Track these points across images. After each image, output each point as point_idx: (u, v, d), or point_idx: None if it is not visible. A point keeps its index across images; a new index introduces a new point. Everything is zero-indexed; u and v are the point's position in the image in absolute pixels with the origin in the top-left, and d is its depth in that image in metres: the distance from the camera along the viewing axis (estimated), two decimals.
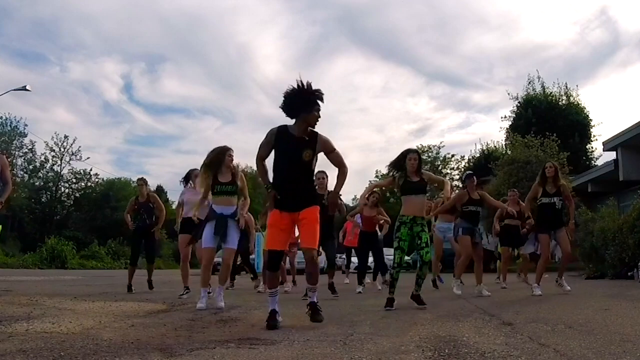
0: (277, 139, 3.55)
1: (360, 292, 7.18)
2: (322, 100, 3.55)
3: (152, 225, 7.44)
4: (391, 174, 5.10)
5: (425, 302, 4.79)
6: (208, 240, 4.79)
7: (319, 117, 3.55)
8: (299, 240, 3.70)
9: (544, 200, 6.16)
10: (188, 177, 6.51)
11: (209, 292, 5.26)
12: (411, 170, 4.88)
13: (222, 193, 4.82)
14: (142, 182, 7.73)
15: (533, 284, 6.11)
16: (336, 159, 3.72)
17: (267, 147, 3.60)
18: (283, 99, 3.53)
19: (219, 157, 4.83)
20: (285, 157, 3.56)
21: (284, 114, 3.56)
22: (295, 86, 3.48)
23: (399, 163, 4.97)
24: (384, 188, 5.10)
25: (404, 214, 4.88)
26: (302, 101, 3.48)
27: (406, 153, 4.96)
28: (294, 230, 3.79)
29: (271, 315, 3.51)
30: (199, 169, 5.13)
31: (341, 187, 3.78)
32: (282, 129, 3.59)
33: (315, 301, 3.64)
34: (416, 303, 4.79)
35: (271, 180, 3.66)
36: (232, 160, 4.89)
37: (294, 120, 3.58)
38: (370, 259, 8.19)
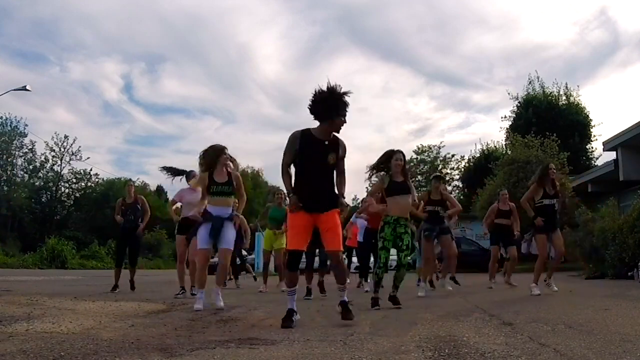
0: (301, 143, 3.54)
1: (367, 291, 7.13)
2: (348, 105, 3.54)
3: (137, 226, 7.54)
4: (370, 175, 5.07)
5: (400, 303, 4.81)
6: (203, 241, 4.73)
7: (345, 122, 3.56)
8: (324, 244, 3.68)
9: (545, 202, 6.13)
10: (188, 178, 6.55)
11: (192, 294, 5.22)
12: (396, 171, 4.88)
13: (218, 194, 4.75)
14: (131, 183, 8.82)
15: (531, 284, 6.11)
16: (342, 166, 3.74)
17: (291, 151, 3.58)
18: (313, 100, 3.49)
19: (215, 157, 4.75)
20: (310, 161, 3.56)
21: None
22: (326, 89, 3.45)
23: (382, 164, 4.96)
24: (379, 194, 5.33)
25: (387, 214, 4.90)
26: (334, 105, 3.47)
27: (391, 154, 4.94)
28: (312, 231, 3.71)
29: (288, 314, 3.50)
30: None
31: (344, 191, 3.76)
32: (306, 132, 3.58)
33: (346, 300, 3.67)
34: (392, 304, 4.80)
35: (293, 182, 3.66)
36: (228, 159, 4.81)
37: (317, 123, 3.58)
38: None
